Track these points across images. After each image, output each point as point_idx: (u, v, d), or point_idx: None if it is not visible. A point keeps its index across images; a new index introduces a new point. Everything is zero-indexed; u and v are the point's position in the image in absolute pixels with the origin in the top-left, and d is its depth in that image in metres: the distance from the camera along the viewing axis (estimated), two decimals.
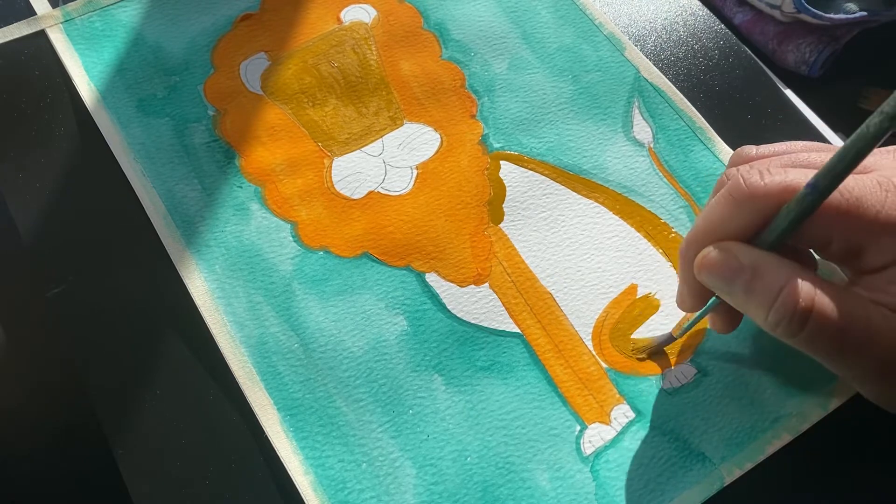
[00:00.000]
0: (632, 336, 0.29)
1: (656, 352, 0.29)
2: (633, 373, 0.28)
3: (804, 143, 0.26)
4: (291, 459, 0.26)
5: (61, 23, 0.35)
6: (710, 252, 0.23)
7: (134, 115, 0.33)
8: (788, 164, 0.23)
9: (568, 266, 0.30)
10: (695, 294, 0.26)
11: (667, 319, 0.29)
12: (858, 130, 0.19)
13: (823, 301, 0.21)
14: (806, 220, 0.22)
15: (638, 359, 0.28)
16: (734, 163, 0.26)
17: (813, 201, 0.21)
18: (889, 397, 0.24)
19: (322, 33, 0.35)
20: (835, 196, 0.22)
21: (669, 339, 0.28)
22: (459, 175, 0.32)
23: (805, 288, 0.21)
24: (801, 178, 0.22)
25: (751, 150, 0.26)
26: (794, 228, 0.22)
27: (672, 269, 0.31)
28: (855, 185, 0.22)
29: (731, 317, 0.26)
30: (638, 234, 0.31)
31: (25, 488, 0.26)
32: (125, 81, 0.33)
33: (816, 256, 0.27)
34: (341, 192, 0.32)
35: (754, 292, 0.22)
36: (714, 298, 0.25)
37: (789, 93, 0.36)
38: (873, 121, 0.19)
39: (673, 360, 0.29)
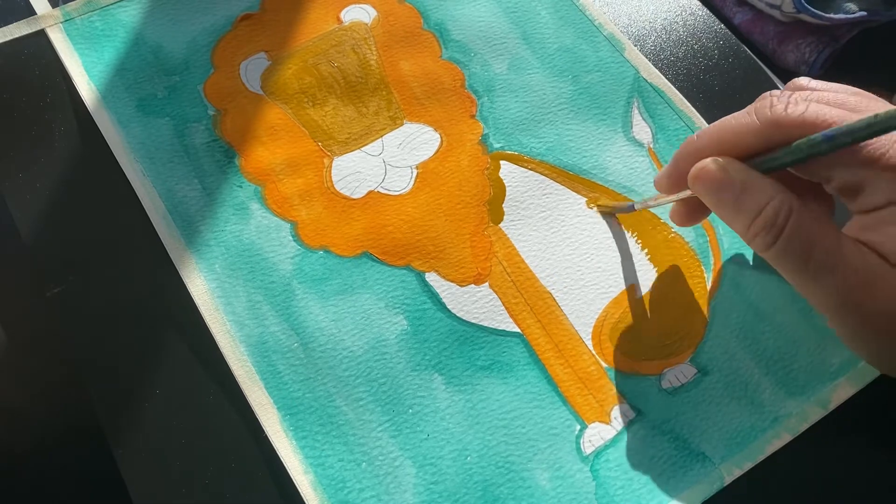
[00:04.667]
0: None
1: (610, 213, 0.31)
2: (633, 372, 0.28)
3: (856, 90, 0.26)
4: (291, 459, 0.26)
5: (61, 22, 0.35)
6: (708, 164, 0.25)
7: (134, 114, 0.33)
8: (823, 101, 0.24)
9: (568, 266, 0.30)
10: (674, 183, 0.27)
11: (667, 319, 0.29)
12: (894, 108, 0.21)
13: (800, 217, 0.23)
14: (811, 160, 0.23)
15: (600, 209, 0.31)
16: (787, 89, 0.27)
17: (825, 150, 0.22)
18: (850, 332, 0.25)
19: (322, 33, 0.35)
20: None
21: (630, 208, 0.30)
22: (459, 175, 0.32)
23: (786, 204, 0.23)
24: (825, 114, 0.23)
25: (803, 81, 0.27)
26: (798, 163, 0.24)
27: (671, 267, 0.31)
28: None
29: (692, 214, 0.29)
30: (636, 235, 0.31)
31: (25, 488, 0.26)
32: (125, 81, 0.33)
33: None
34: (341, 191, 0.32)
35: (742, 206, 0.24)
36: (688, 190, 0.26)
37: None
38: None
39: (672, 360, 0.29)
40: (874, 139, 0.23)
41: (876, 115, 0.21)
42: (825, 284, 0.23)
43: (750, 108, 0.25)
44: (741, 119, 0.25)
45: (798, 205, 0.24)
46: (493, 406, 0.28)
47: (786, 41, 0.46)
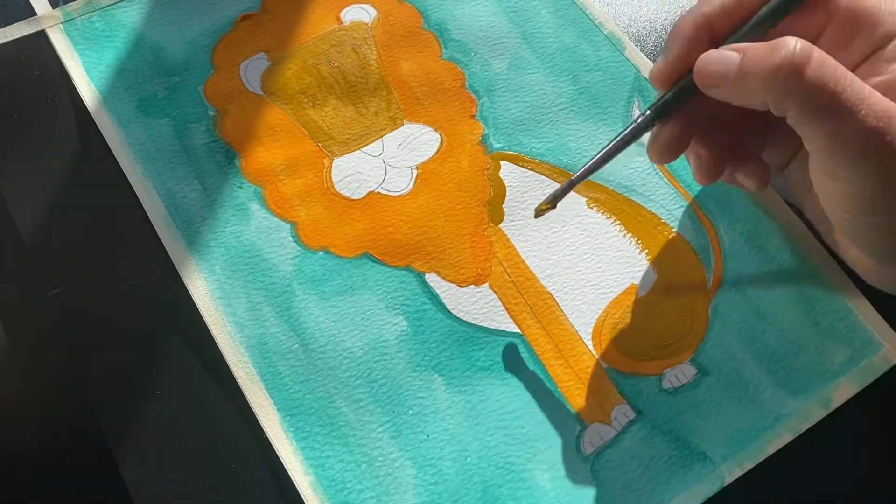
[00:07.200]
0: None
1: (551, 205, 0.27)
2: (633, 372, 0.28)
3: None
4: (291, 460, 0.26)
5: (62, 23, 0.35)
6: (710, 55, 0.24)
7: (134, 115, 0.33)
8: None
9: (568, 266, 0.30)
10: (673, 69, 0.27)
11: (667, 318, 0.29)
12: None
13: (822, 53, 0.22)
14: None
15: (541, 209, 0.27)
16: None
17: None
18: (861, 184, 0.23)
19: (322, 33, 0.35)
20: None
21: (570, 184, 0.27)
22: (459, 175, 0.32)
23: (803, 42, 0.23)
24: None
25: None
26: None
27: (671, 267, 0.30)
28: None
29: (674, 138, 0.27)
30: (636, 236, 0.31)
31: (26, 488, 0.26)
32: (125, 82, 0.33)
33: None
34: (341, 192, 0.32)
35: (774, 54, 0.23)
36: (675, 90, 0.26)
37: None
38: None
39: (673, 360, 0.29)
40: None
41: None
42: (848, 129, 0.22)
43: None
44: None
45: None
46: (493, 406, 0.28)
47: None
